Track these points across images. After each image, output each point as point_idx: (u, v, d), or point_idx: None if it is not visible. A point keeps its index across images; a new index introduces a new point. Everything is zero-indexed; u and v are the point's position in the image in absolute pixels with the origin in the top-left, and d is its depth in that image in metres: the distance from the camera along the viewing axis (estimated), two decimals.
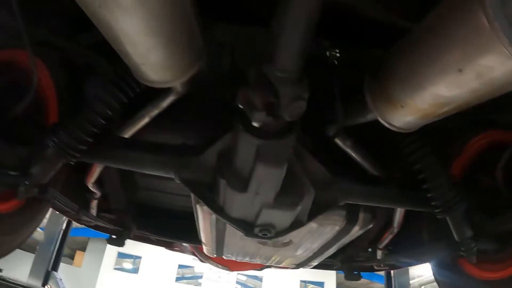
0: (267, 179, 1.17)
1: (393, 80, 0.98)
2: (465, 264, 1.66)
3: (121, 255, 17.04)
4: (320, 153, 1.31)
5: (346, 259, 2.45)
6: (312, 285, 18.14)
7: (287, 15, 0.82)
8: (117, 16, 0.80)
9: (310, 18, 0.82)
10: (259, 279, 16.87)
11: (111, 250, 16.52)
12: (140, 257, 16.84)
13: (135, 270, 17.26)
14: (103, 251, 16.55)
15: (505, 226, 1.42)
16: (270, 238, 1.44)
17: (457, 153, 1.67)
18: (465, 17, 0.74)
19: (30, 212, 1.61)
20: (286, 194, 1.24)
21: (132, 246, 13.35)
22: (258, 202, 1.26)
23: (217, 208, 1.39)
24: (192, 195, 1.51)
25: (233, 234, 1.83)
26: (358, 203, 1.55)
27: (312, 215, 1.40)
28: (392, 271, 4.37)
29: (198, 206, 1.62)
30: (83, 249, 17.38)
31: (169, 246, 3.25)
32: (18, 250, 1.69)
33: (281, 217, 1.35)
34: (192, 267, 17.52)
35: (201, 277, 17.72)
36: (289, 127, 1.07)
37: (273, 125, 1.02)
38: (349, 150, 1.46)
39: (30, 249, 8.23)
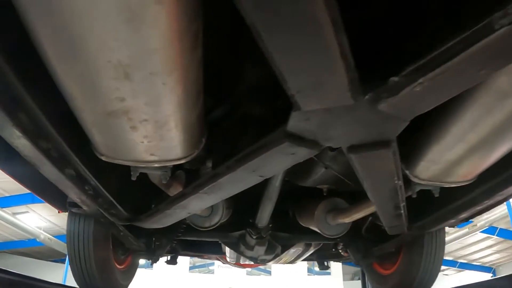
0: (260, 250, 2.67)
1: None
2: (372, 265, 2.98)
3: None
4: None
5: (318, 256, 3.81)
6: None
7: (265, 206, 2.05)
8: None
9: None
10: None
11: None
12: None
13: (149, 265, 18.00)
14: None
15: (382, 251, 2.64)
16: (265, 263, 3.22)
17: None
18: None
19: (132, 268, 3.05)
20: (267, 251, 2.73)
21: None
22: (257, 254, 2.77)
23: (242, 253, 2.81)
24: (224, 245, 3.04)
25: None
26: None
27: (277, 256, 2.94)
28: None
29: (228, 248, 3.04)
30: None
31: (201, 256, 4.44)
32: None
33: (267, 259, 2.95)
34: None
35: (212, 264, 18.70)
36: None
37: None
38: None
39: None
